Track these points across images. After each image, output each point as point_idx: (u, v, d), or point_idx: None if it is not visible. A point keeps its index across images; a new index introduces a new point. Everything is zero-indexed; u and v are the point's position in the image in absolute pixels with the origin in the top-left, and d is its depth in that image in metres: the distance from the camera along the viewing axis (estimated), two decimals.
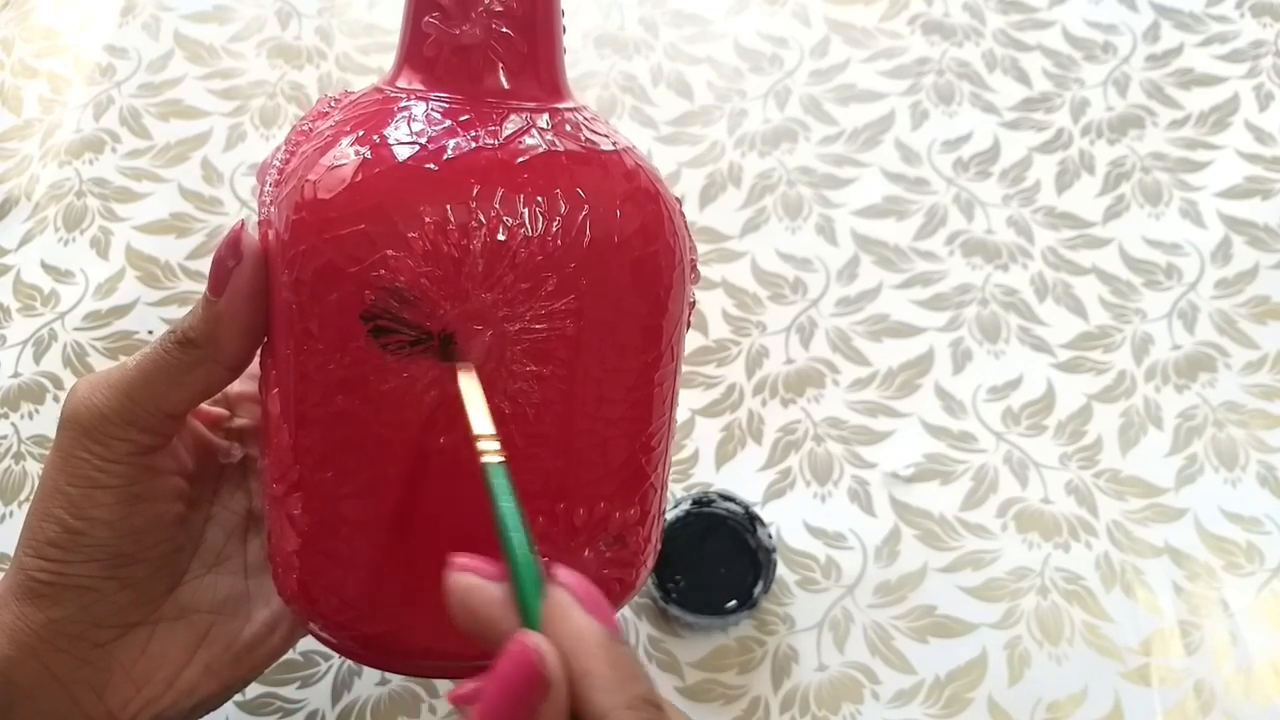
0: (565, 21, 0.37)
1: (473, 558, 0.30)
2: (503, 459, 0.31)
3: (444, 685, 0.51)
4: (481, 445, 0.31)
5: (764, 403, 0.57)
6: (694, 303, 0.39)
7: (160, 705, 0.40)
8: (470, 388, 0.32)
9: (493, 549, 0.31)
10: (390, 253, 0.32)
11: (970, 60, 0.66)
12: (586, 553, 0.36)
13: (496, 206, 0.32)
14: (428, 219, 0.32)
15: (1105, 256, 0.61)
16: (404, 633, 0.35)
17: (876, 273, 0.60)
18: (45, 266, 0.60)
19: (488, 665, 0.38)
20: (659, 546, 0.40)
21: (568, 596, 0.29)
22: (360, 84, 0.65)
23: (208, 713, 0.42)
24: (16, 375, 0.57)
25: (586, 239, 0.33)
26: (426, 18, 0.35)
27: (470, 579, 0.29)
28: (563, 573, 0.29)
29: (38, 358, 0.58)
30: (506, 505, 0.30)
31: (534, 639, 0.27)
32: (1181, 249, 0.61)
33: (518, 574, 0.29)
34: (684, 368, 0.58)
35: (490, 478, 0.30)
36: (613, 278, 0.34)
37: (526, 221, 0.32)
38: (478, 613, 0.29)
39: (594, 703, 0.27)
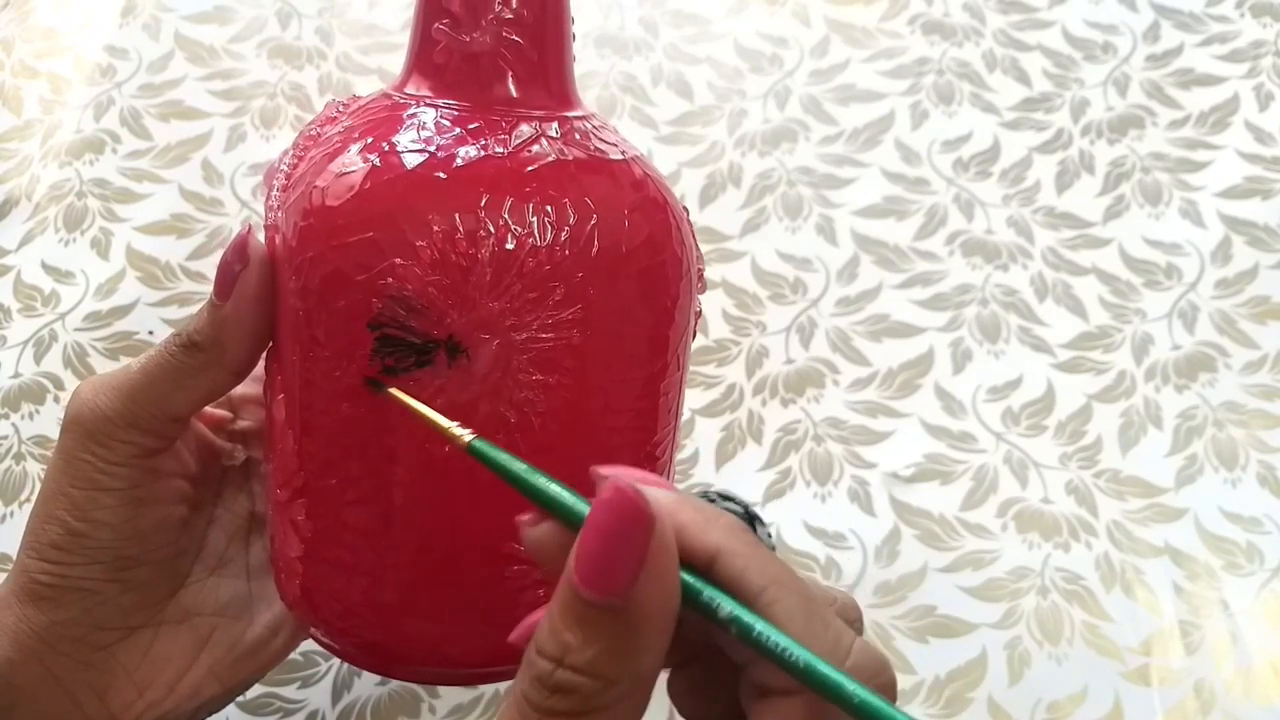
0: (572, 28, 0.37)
1: (526, 514, 0.29)
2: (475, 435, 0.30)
3: (445, 687, 0.51)
4: (456, 433, 0.30)
5: (764, 403, 0.57)
6: (699, 312, 0.39)
7: (163, 708, 0.40)
8: (407, 400, 0.32)
9: (495, 549, 0.31)
10: (398, 261, 0.32)
11: (970, 60, 0.66)
12: None
13: (505, 215, 0.32)
14: (436, 227, 0.32)
15: (1105, 256, 0.61)
16: (406, 640, 0.35)
17: (876, 273, 0.60)
18: (46, 267, 0.60)
19: (488, 673, 0.38)
20: None
21: (621, 480, 0.27)
22: (361, 84, 0.65)
23: (210, 715, 0.42)
24: (17, 376, 0.57)
25: (594, 248, 0.33)
26: (436, 24, 0.35)
27: (529, 533, 0.28)
28: (603, 469, 0.28)
29: (38, 358, 0.58)
30: (505, 459, 0.29)
31: (620, 482, 0.26)
32: (1181, 249, 0.61)
33: (550, 501, 0.28)
34: None
35: (482, 452, 0.30)
36: (620, 287, 0.34)
37: (535, 231, 0.32)
38: (550, 561, 0.28)
39: (697, 546, 0.27)
